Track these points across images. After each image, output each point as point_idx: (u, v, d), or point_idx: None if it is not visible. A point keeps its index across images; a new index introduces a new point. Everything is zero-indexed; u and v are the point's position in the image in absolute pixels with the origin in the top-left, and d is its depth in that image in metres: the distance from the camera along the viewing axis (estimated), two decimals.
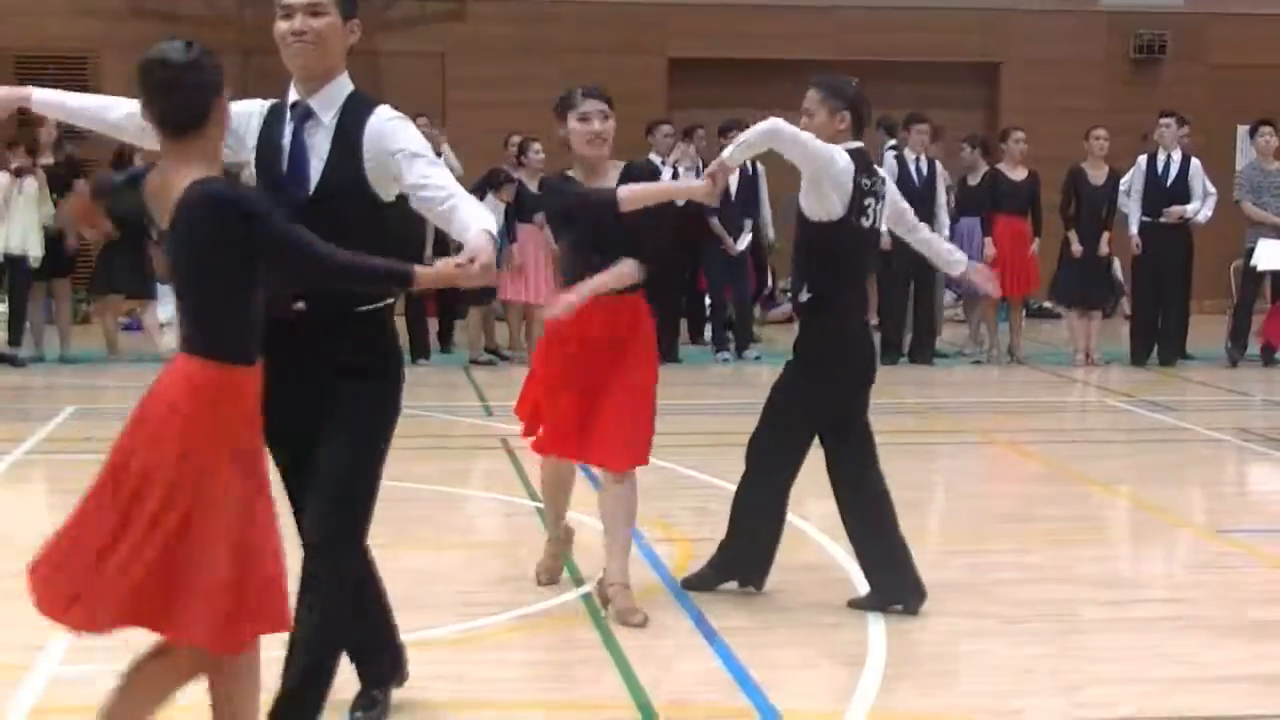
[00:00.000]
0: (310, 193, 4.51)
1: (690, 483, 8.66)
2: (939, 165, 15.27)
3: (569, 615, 6.50)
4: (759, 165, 15.72)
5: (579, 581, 6.92)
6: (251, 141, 4.64)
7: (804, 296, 6.58)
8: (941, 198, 15.12)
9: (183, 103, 4.07)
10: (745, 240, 15.39)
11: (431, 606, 6.58)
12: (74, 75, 18.57)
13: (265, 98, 4.75)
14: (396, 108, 4.77)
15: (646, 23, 19.87)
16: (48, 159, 14.59)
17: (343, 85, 4.64)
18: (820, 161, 6.40)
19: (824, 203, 6.47)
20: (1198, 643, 6.15)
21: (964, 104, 20.42)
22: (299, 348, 4.47)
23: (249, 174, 4.66)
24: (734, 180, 15.30)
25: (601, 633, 6.20)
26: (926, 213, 15.01)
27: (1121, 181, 14.99)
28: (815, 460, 6.79)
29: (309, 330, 4.51)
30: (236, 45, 19.18)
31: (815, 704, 5.45)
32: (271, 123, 4.64)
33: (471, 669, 5.82)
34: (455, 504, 8.99)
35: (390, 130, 4.58)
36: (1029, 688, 5.63)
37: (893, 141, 15.59)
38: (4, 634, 5.92)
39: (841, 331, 6.64)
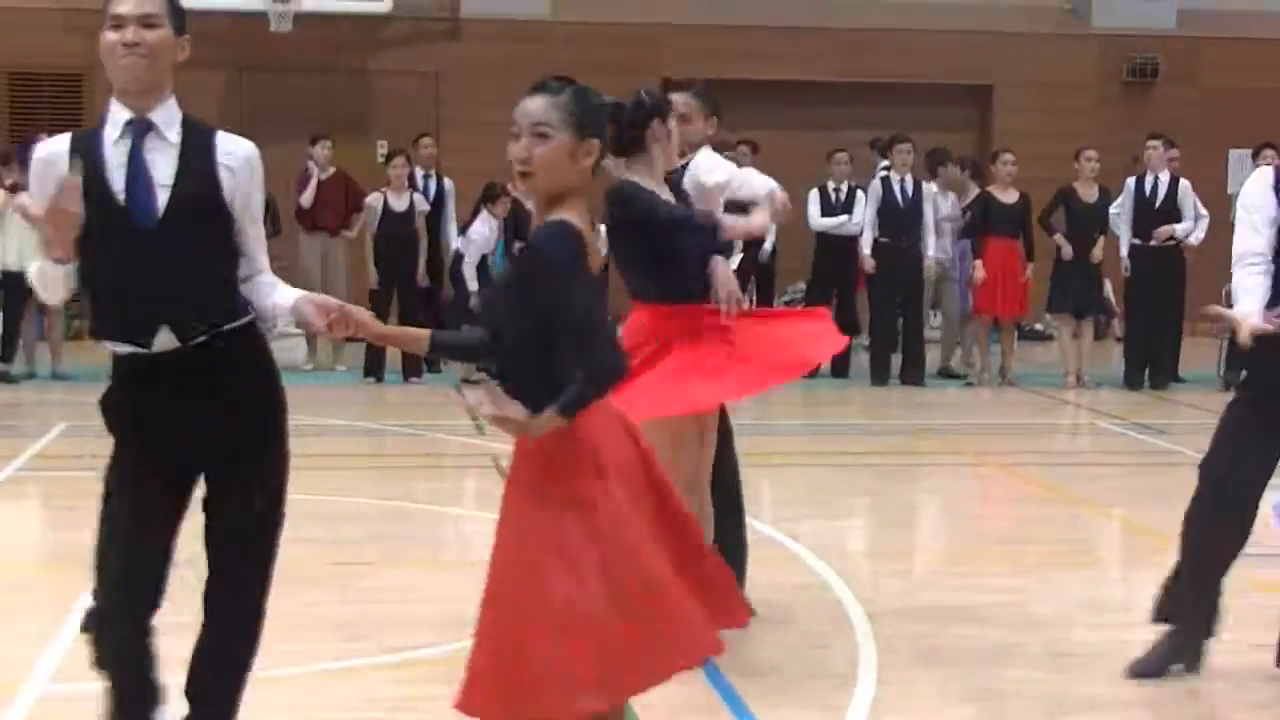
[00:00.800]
0: (160, 217, 4.19)
1: None
2: (926, 186, 15.28)
3: None
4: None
5: None
6: (60, 173, 4.18)
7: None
8: (929, 218, 15.13)
9: None
10: (737, 258, 15.36)
11: (422, 625, 6.57)
12: (69, 93, 18.61)
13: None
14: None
15: (641, 42, 19.90)
16: None
17: (174, 102, 4.32)
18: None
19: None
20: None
21: (956, 126, 20.45)
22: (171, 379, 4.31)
23: None
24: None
25: None
26: (914, 232, 15.04)
27: (1112, 205, 15.03)
28: (805, 478, 6.79)
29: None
30: (229, 62, 19.21)
31: None
32: (86, 152, 4.22)
33: None
34: (447, 523, 8.98)
35: (253, 156, 4.35)
36: (1018, 710, 5.63)
37: (885, 162, 15.63)
38: None
39: None
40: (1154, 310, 14.87)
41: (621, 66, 19.60)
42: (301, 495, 9.52)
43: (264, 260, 4.43)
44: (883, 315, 15.30)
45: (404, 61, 19.76)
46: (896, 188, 15.05)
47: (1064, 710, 5.62)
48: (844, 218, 15.55)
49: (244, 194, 4.30)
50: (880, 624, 6.63)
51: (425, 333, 4.39)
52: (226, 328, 4.29)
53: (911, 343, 15.34)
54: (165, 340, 4.20)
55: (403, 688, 5.80)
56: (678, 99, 6.63)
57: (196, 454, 4.35)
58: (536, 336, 3.93)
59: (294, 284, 4.49)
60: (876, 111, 19.26)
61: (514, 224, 14.77)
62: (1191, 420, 13.27)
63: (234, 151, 4.29)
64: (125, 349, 4.25)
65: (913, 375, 15.20)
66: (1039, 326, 19.22)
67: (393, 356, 15.01)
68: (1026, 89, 20.59)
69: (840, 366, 15.67)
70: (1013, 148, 15.77)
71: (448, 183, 15.99)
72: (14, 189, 13.93)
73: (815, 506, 9.41)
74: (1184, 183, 14.88)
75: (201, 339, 4.24)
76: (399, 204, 15.19)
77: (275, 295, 4.41)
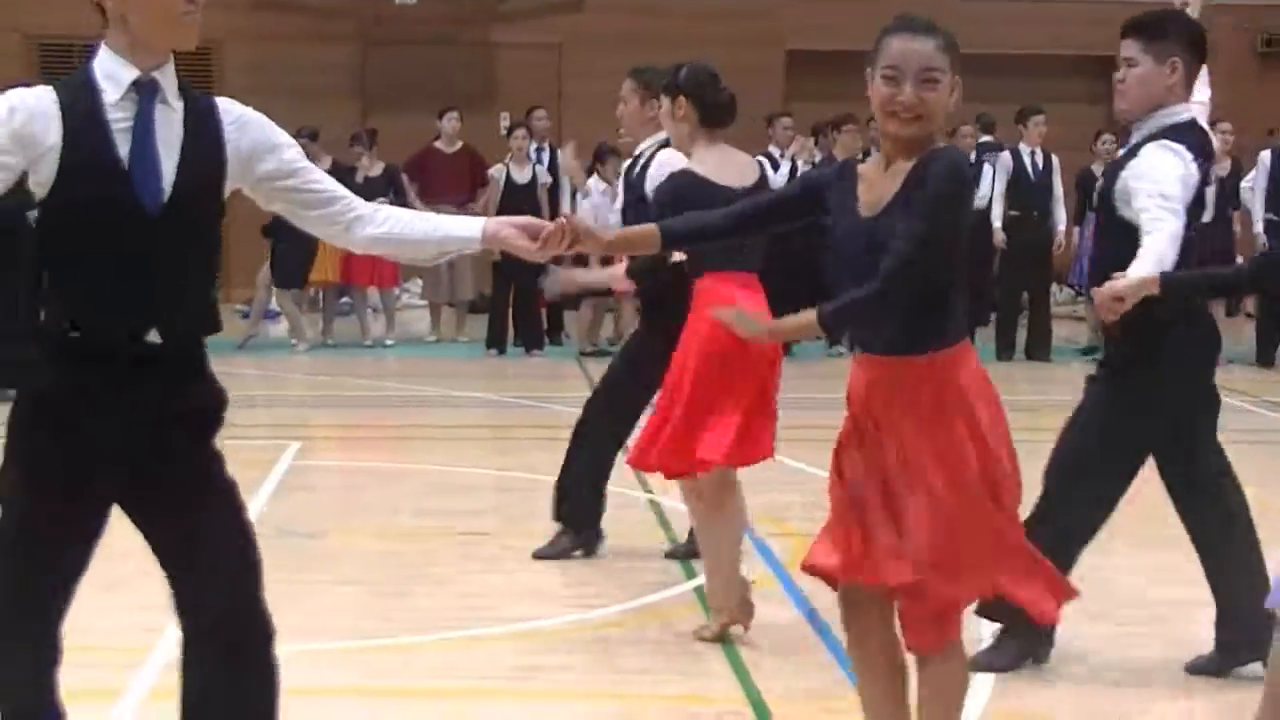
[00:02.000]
0: (166, 199, 3.63)
1: (802, 476, 8.61)
2: (1056, 159, 15.06)
3: (682, 607, 6.48)
4: None
5: (691, 574, 6.90)
6: (52, 139, 3.58)
7: (678, 258, 6.29)
8: (1058, 190, 14.93)
9: None
10: None
11: (544, 596, 6.60)
12: (197, 67, 18.85)
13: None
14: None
15: (764, 14, 19.79)
16: None
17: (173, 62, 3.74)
18: None
19: None
20: None
21: (1085, 98, 20.13)
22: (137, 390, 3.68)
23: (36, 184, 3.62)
24: None
25: None
26: (1044, 206, 14.84)
27: (1244, 179, 14.73)
28: None
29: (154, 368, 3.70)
30: (356, 36, 19.37)
31: None
32: (78, 111, 3.62)
33: (583, 659, 5.82)
34: None
35: (260, 119, 3.82)
36: (1146, 690, 5.55)
37: (985, 138, 15.42)
38: (122, 616, 6.00)
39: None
40: None
41: (744, 40, 19.56)
42: (423, 465, 9.68)
43: (345, 194, 3.93)
44: (1010, 290, 15.12)
45: (526, 34, 19.79)
46: (1027, 160, 14.86)
47: (1192, 691, 5.52)
48: None
49: (261, 167, 3.79)
50: None
51: (652, 228, 4.29)
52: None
53: (1038, 317, 15.15)
54: (153, 339, 3.68)
55: (522, 656, 5.82)
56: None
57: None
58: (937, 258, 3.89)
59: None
60: (1004, 83, 19.00)
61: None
62: None
63: (240, 115, 3.79)
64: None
65: (1038, 350, 15.00)
66: None
67: (510, 330, 15.07)
68: None
69: None
70: None
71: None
72: None
73: None
74: None
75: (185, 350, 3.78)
76: (521, 176, 15.20)
77: (444, 228, 3.95)
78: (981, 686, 5.49)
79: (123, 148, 3.60)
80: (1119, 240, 5.33)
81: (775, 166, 14.87)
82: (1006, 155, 15.00)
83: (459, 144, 16.04)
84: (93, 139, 3.59)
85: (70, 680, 5.41)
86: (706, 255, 5.90)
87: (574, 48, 19.64)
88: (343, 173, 15.17)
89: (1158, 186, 5.24)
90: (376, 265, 15.40)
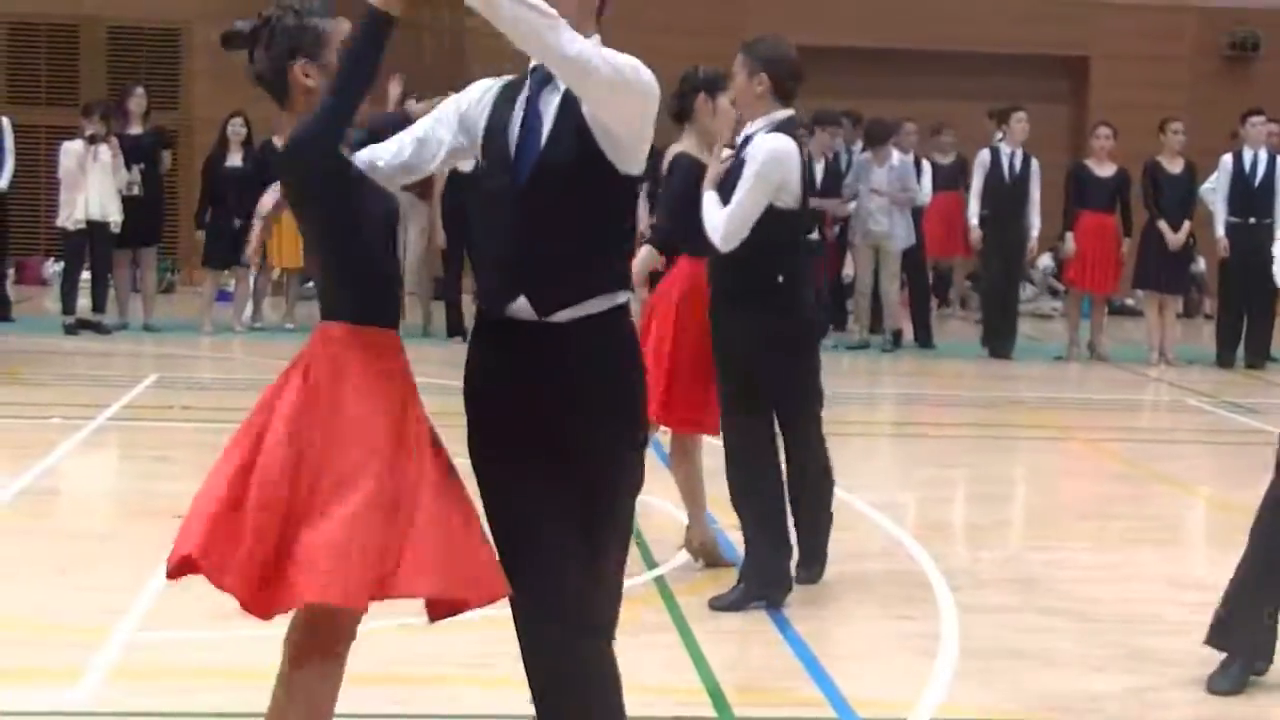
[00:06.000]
0: (528, 174, 3.79)
1: None
2: (1034, 161, 15.00)
3: (640, 599, 6.49)
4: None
5: (651, 564, 6.93)
6: (483, 124, 3.95)
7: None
8: (1034, 194, 14.85)
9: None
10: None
11: None
12: (166, 47, 18.78)
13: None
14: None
15: (727, 4, 19.78)
16: (136, 128, 14.73)
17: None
18: None
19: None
20: None
21: (1050, 98, 20.22)
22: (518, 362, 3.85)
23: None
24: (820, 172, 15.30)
25: (673, 616, 6.19)
26: (1017, 208, 14.82)
27: (1208, 181, 14.80)
28: (891, 449, 6.75)
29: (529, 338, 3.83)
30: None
31: (885, 694, 5.43)
32: (503, 102, 3.95)
33: None
34: None
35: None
36: (1100, 686, 5.59)
37: (1000, 134, 15.38)
38: (79, 597, 5.99)
39: None
40: (1250, 288, 14.63)
41: (707, 28, 19.52)
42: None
43: None
44: (994, 286, 15.24)
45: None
46: (1005, 160, 14.85)
47: (1145, 687, 5.57)
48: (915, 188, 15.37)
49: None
50: (962, 596, 6.60)
51: None
52: (595, 310, 3.80)
53: (1008, 315, 15.19)
54: (521, 308, 3.78)
55: (482, 645, 5.80)
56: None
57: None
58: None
59: None
60: (971, 82, 19.07)
61: None
62: None
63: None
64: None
65: (1000, 348, 15.03)
66: (1130, 302, 19.02)
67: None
68: (1123, 61, 20.32)
69: (925, 338, 15.54)
70: (1109, 120, 15.52)
71: None
72: (93, 140, 14.02)
73: (900, 477, 9.38)
74: None
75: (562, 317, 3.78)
76: (465, 164, 15.06)
77: None
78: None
79: (517, 128, 3.86)
80: None
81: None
82: (985, 153, 15.00)
83: None
84: (495, 131, 3.89)
85: (28, 660, 5.43)
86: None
87: None
88: None
89: None
90: None
